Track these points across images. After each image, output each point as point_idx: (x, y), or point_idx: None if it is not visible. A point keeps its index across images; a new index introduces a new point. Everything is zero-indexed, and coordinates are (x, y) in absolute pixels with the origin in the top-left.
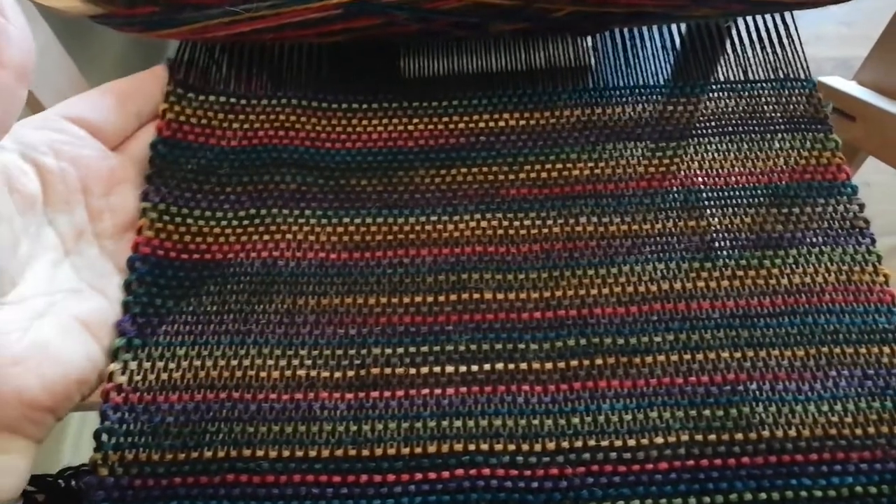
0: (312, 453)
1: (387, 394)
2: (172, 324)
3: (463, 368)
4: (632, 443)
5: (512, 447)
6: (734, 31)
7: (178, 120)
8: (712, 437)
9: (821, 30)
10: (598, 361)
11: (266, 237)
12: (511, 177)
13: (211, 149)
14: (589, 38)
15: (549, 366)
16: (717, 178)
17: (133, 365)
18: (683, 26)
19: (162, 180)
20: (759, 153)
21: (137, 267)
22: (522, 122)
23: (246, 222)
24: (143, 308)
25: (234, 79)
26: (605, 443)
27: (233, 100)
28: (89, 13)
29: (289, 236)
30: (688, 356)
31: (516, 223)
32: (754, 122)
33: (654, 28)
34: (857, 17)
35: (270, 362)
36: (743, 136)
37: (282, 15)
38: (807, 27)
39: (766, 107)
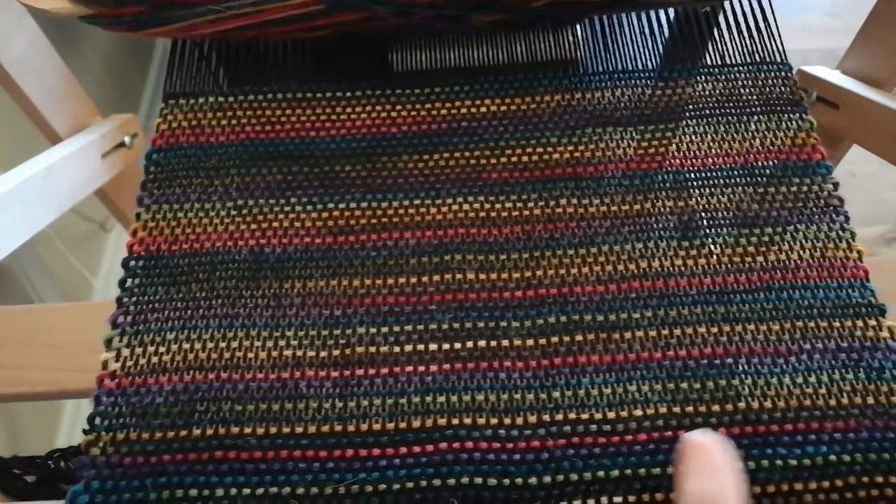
0: (299, 429)
1: (371, 371)
2: (163, 311)
3: (446, 346)
4: (611, 415)
5: (494, 421)
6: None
7: (171, 127)
8: (690, 409)
9: (807, 21)
10: (579, 338)
11: (253, 226)
12: (492, 161)
13: (200, 146)
14: (580, 32)
15: (530, 342)
16: (694, 160)
17: (126, 352)
18: (663, 13)
19: (155, 184)
20: (735, 135)
21: (131, 266)
22: (503, 108)
23: (234, 212)
24: (136, 300)
25: (223, 77)
26: (585, 416)
27: (220, 98)
28: (78, 14)
29: (275, 224)
30: (666, 331)
31: (498, 206)
32: (731, 104)
33: (633, 14)
34: (843, 9)
35: (258, 343)
36: (720, 118)
37: (265, 12)
38: (793, 18)
39: (742, 90)
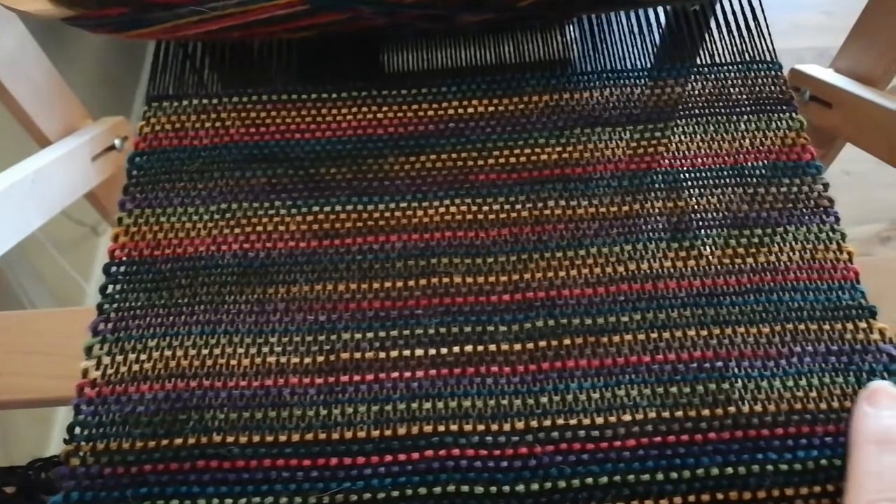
0: (283, 438)
1: (357, 378)
2: (144, 317)
3: (433, 351)
4: (600, 420)
5: (482, 427)
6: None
7: (154, 130)
8: (679, 413)
9: (800, 19)
10: (567, 342)
11: (237, 230)
12: (480, 162)
13: (184, 149)
14: (569, 33)
15: (517, 347)
16: (683, 160)
17: (106, 360)
18: (652, 12)
19: (138, 188)
20: (725, 135)
21: (113, 272)
22: (491, 109)
23: (217, 216)
24: (117, 307)
25: (208, 79)
26: (573, 421)
27: (205, 101)
28: (60, 16)
29: (259, 228)
30: (654, 335)
31: (485, 208)
32: (720, 104)
33: (623, 13)
34: (836, 7)
35: (241, 350)
36: (709, 118)
37: (248, 12)
38: (786, 17)
39: (732, 89)
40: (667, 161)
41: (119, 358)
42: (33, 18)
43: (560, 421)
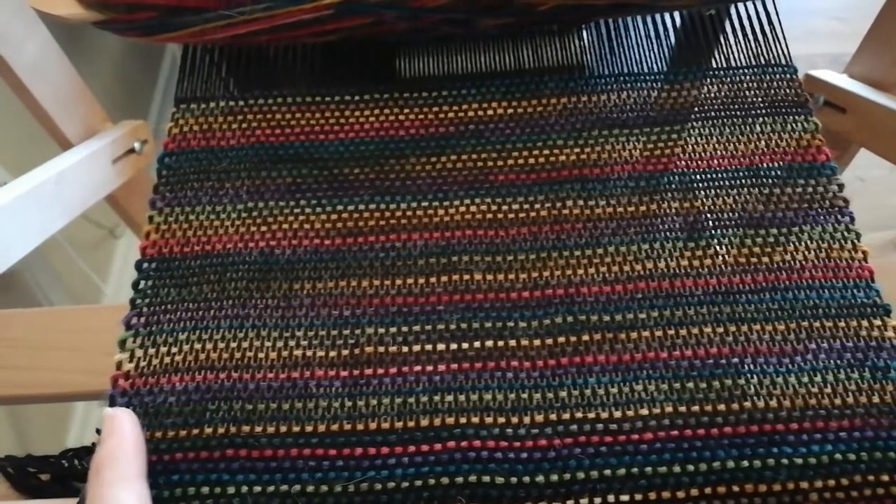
0: (309, 428)
1: (380, 371)
2: (175, 312)
3: (454, 346)
4: (618, 414)
5: (502, 420)
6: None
7: (182, 131)
8: (696, 408)
9: (814, 26)
10: (585, 338)
11: (263, 228)
12: (499, 163)
13: (212, 150)
14: (586, 37)
15: (537, 342)
16: (700, 162)
17: (139, 352)
18: (668, 16)
19: (168, 187)
20: (741, 136)
21: (144, 268)
22: (510, 111)
23: (244, 215)
24: (149, 301)
25: (233, 81)
26: (591, 415)
27: (231, 102)
28: (91, 19)
29: (285, 226)
30: (672, 331)
31: (504, 207)
32: (736, 106)
33: (639, 17)
34: (849, 14)
35: (268, 343)
36: (725, 120)
37: (275, 17)
38: (800, 23)
39: (748, 92)
40: (683, 162)
41: (151, 351)
42: (65, 22)
43: (579, 414)
